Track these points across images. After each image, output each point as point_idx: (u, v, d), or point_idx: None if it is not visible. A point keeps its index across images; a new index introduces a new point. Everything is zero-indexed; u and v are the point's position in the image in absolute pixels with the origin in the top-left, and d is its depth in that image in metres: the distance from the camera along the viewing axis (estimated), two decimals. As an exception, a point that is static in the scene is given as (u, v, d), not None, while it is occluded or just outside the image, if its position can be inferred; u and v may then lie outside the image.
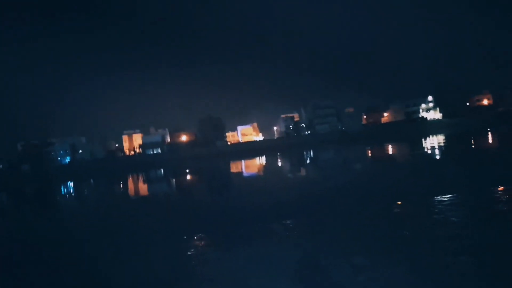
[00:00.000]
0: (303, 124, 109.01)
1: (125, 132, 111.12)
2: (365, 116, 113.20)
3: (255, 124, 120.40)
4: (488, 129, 51.01)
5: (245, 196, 17.26)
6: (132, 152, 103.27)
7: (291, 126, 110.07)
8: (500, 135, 40.00)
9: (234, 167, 41.87)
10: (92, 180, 49.97)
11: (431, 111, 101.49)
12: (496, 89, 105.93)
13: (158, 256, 8.72)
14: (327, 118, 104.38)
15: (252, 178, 27.82)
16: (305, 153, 51.19)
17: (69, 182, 48.96)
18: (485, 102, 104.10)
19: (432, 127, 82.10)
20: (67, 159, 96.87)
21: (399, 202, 11.15)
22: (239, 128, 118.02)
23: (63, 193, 34.60)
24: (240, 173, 33.95)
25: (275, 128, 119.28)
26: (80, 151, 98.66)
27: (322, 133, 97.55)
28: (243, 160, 50.75)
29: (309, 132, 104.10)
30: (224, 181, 28.65)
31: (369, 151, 39.89)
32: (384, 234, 8.18)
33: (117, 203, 21.67)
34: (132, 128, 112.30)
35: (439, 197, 10.84)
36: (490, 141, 34.14)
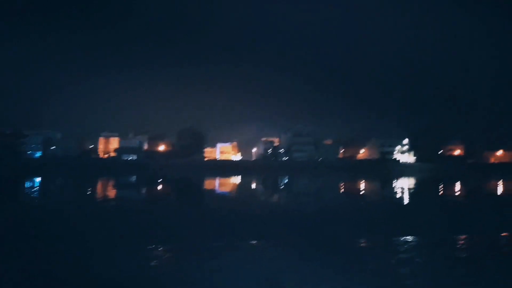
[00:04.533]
0: (281, 150, 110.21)
1: (102, 134, 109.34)
2: (342, 150, 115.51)
3: (235, 143, 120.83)
4: (457, 179, 53.09)
5: (212, 213, 17.43)
6: (107, 155, 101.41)
7: (270, 150, 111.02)
8: (467, 186, 41.72)
9: (208, 184, 41.86)
10: (59, 178, 48.77)
11: (405, 154, 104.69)
12: (469, 141, 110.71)
13: (110, 264, 8.83)
14: (305, 146, 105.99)
15: (222, 197, 27.96)
16: (279, 178, 51.73)
17: (36, 177, 47.59)
18: (457, 152, 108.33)
19: (404, 170, 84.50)
20: (39, 153, 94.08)
21: (356, 239, 11.66)
22: (219, 145, 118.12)
23: (26, 187, 33.67)
24: (213, 190, 34.02)
25: (254, 150, 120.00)
26: (54, 147, 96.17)
27: (299, 160, 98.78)
28: (217, 178, 50.78)
29: (286, 158, 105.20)
30: (194, 196, 28.67)
31: (340, 185, 40.78)
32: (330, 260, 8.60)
33: (78, 205, 21.32)
34: (110, 130, 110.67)
35: (393, 237, 11.43)
36: (457, 190, 35.61)
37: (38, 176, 49.30)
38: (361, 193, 32.19)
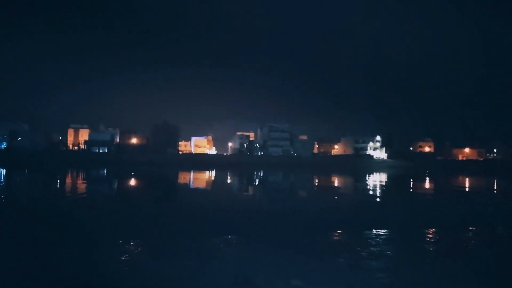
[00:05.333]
0: (257, 144, 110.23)
1: (71, 125, 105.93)
2: (317, 145, 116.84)
3: (210, 137, 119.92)
4: (426, 174, 54.65)
5: (186, 209, 17.04)
6: (76, 148, 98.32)
7: (245, 145, 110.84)
8: (435, 181, 42.94)
9: (181, 178, 41.22)
10: (26, 170, 46.80)
11: (378, 150, 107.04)
12: (438, 139, 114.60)
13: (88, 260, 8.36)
14: (281, 141, 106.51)
15: (196, 191, 27.53)
16: (255, 173, 51.62)
17: (1, 169, 45.45)
18: (427, 149, 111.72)
19: (376, 165, 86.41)
20: (3, 145, 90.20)
21: (331, 232, 11.61)
22: (193, 138, 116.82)
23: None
24: (186, 184, 33.48)
25: (229, 144, 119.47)
26: (20, 138, 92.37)
27: (275, 155, 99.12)
28: (192, 172, 50.12)
29: (262, 153, 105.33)
30: (167, 190, 28.07)
31: (315, 180, 41.08)
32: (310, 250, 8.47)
33: (46, 198, 20.43)
34: (79, 122, 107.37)
35: (364, 230, 11.44)
36: (426, 185, 36.57)
37: (3, 168, 47.12)
38: (334, 187, 32.47)
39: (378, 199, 23.50)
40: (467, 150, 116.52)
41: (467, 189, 33.07)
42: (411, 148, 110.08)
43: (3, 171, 43.02)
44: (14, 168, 50.41)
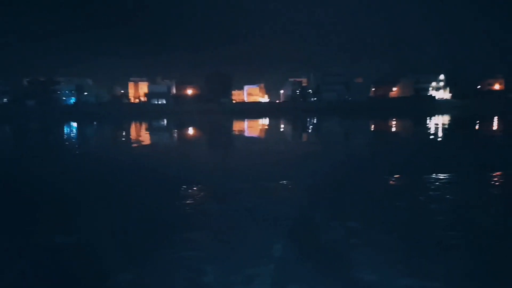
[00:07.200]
0: (310, 90, 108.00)
1: (131, 79, 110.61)
2: (373, 88, 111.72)
3: (262, 85, 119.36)
4: (496, 115, 50.68)
5: (242, 155, 17.64)
6: (137, 100, 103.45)
7: (298, 91, 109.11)
8: (505, 122, 39.82)
9: (237, 126, 42.16)
10: (95, 123, 50.53)
11: (441, 90, 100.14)
12: (509, 74, 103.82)
13: (154, 203, 9.18)
14: (335, 86, 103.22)
15: (251, 139, 28.16)
16: (308, 119, 51.25)
17: (72, 122, 49.56)
18: (497, 87, 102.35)
19: (439, 107, 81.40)
20: (72, 100, 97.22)
21: (384, 176, 11.52)
22: (246, 87, 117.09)
23: (66, 131, 35.15)
24: (242, 132, 34.28)
25: (281, 91, 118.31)
26: (86, 93, 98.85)
27: (329, 100, 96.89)
28: (245, 120, 50.96)
29: (315, 98, 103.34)
30: (224, 138, 29.02)
31: (371, 125, 39.96)
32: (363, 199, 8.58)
33: (116, 148, 22.16)
34: (139, 75, 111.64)
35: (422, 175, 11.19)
36: (495, 127, 34.10)
37: (75, 121, 51.30)
38: (392, 132, 31.45)
39: (439, 143, 22.51)
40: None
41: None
42: (478, 87, 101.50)
43: (75, 124, 46.89)
44: (84, 121, 54.61)
